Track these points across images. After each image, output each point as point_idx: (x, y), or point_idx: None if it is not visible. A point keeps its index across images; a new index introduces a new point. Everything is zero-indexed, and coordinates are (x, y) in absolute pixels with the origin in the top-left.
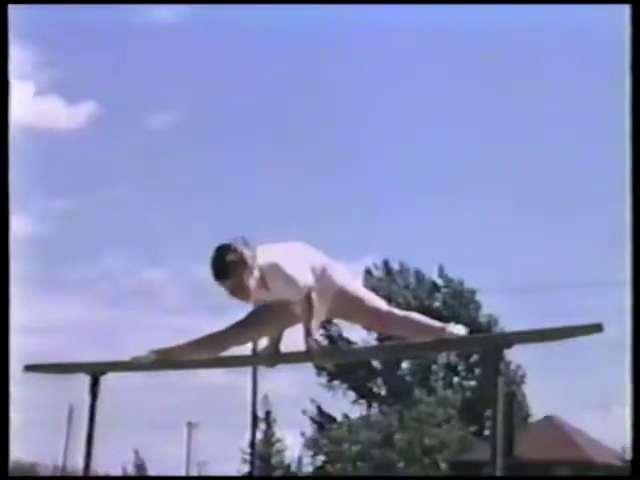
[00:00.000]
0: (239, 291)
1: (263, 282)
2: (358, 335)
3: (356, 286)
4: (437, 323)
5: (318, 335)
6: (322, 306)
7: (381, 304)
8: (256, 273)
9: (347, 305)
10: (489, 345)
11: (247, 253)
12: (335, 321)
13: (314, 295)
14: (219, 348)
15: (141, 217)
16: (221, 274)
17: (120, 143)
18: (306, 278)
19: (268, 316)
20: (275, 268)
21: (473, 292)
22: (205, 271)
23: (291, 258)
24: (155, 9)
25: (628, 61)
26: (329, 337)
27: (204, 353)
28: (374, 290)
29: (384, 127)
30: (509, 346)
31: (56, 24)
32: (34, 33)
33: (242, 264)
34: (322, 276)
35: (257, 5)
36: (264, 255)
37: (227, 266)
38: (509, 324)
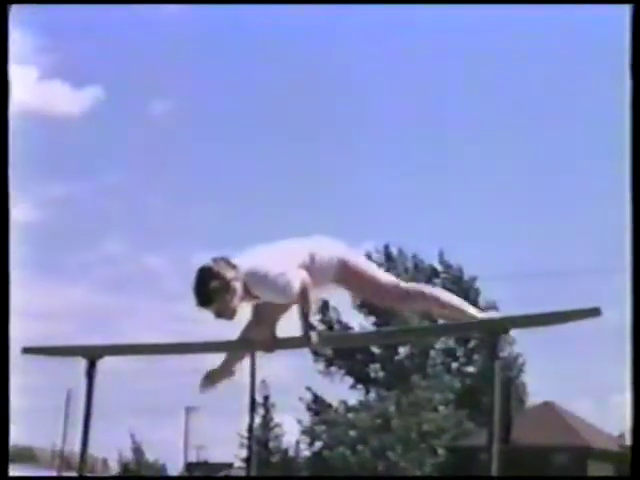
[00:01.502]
0: (224, 314)
1: (250, 294)
2: (356, 320)
3: (357, 259)
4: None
5: (315, 320)
6: (323, 284)
7: (385, 277)
8: (240, 291)
9: (350, 277)
10: (486, 330)
11: (230, 275)
12: (333, 306)
13: (308, 289)
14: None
15: (141, 202)
16: (205, 302)
17: (122, 129)
18: (294, 281)
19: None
20: (259, 279)
21: (473, 278)
22: (205, 257)
23: (275, 263)
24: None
25: (628, 61)
26: (326, 322)
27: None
28: None
29: (385, 114)
30: (506, 331)
31: (59, 10)
32: (38, 18)
33: (225, 288)
34: (313, 263)
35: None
36: (247, 264)
37: (210, 293)
38: (510, 311)
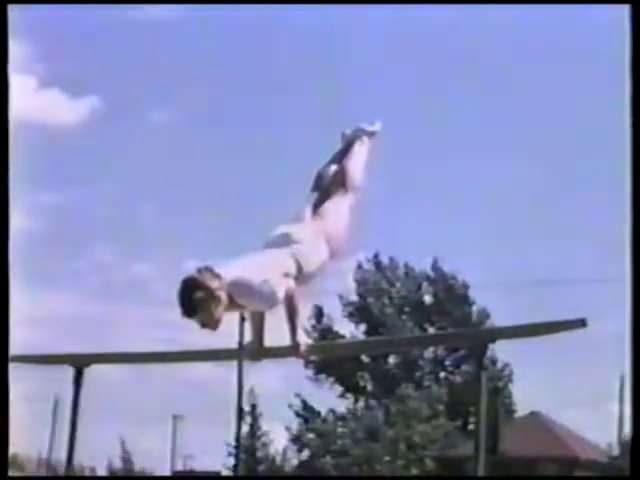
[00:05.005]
0: (209, 323)
1: (234, 304)
2: (347, 329)
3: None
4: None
5: (308, 326)
6: (319, 274)
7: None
8: (224, 300)
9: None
10: (473, 340)
11: (214, 285)
12: (326, 313)
13: (294, 297)
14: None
15: (133, 211)
16: (190, 312)
17: (119, 138)
18: (278, 289)
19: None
20: (243, 288)
21: (466, 287)
22: (194, 266)
23: (259, 271)
24: (156, 5)
25: (628, 61)
26: (319, 330)
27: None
28: (364, 283)
29: (379, 121)
30: (492, 341)
31: (58, 18)
32: (36, 27)
33: (209, 299)
34: (300, 270)
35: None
36: (231, 274)
37: (195, 303)
38: (502, 320)
